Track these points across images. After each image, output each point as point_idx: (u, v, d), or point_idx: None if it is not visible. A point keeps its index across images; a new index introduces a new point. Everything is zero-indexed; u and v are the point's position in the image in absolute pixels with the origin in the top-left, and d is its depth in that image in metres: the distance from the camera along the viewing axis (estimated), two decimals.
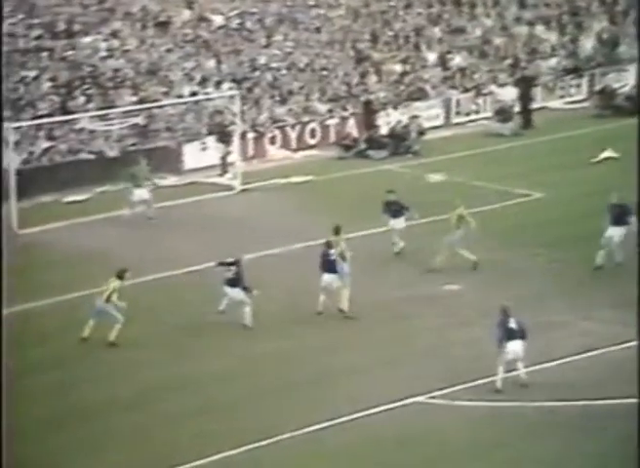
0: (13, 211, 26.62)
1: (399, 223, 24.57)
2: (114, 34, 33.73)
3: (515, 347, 18.61)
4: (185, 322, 21.41)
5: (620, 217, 22.22)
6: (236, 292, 21.16)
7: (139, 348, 20.36)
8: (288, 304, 22.00)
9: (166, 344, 20.58)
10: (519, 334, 18.65)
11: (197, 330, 21.10)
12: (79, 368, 19.70)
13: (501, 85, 36.79)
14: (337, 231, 22.26)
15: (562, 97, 37.60)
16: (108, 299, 20.49)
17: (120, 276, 20.70)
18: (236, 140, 30.77)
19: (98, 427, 17.53)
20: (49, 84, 31.30)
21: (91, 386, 18.97)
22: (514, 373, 18.83)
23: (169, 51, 34.10)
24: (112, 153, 30.46)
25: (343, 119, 34.47)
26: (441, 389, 18.68)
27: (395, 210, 24.61)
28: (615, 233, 22.31)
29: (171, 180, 30.39)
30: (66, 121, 29.88)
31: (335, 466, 16.85)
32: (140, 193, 27.18)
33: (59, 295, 22.47)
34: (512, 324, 18.71)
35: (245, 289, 21.10)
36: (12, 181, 26.80)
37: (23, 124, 28.85)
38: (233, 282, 21.19)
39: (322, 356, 20.12)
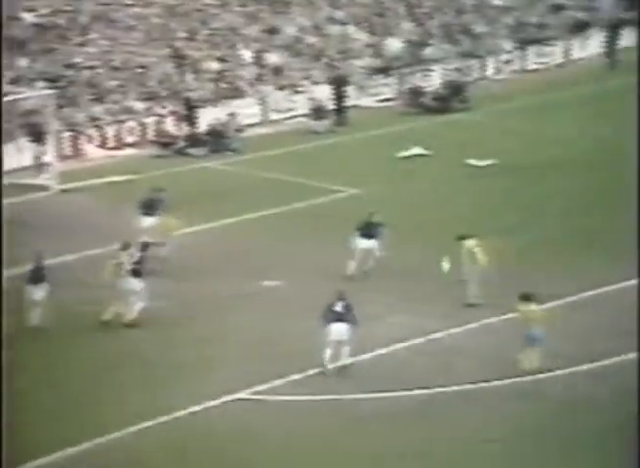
0: None
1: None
2: None
3: (337, 329, 18.89)
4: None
5: (369, 233, 22.81)
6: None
7: None
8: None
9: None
10: (343, 317, 18.94)
11: None
12: None
13: (316, 83, 37.11)
14: None
15: (373, 95, 38.22)
16: None
17: None
18: (52, 140, 29.88)
19: None
20: None
21: None
22: (338, 364, 19.01)
23: None
24: None
25: (162, 117, 33.99)
26: (263, 384, 18.62)
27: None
28: (364, 245, 22.84)
29: None
30: None
31: (157, 464, 16.58)
32: None
33: None
34: (338, 307, 19.06)
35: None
36: None
37: None
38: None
39: (147, 355, 19.78)
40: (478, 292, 21.34)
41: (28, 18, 35.01)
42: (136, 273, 21.07)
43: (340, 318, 19.04)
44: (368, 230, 22.96)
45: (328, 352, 19.02)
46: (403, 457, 16.62)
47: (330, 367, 18.98)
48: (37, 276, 20.67)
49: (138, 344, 20.32)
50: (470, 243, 21.38)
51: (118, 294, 20.84)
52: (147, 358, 19.74)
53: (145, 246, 22.09)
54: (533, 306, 19.02)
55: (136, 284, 20.99)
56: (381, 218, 23.24)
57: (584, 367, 19.04)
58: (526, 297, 19.00)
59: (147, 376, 19.04)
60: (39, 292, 20.58)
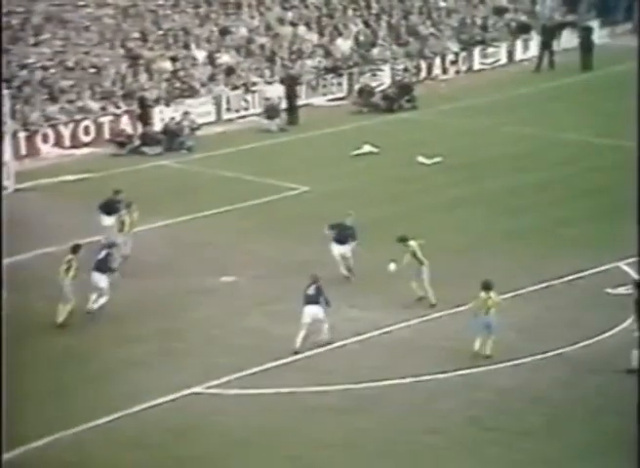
0: None
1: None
2: None
3: (311, 311, 19.71)
4: None
5: (344, 237, 22.59)
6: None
7: None
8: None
9: None
10: (315, 300, 19.74)
11: None
12: None
13: (268, 82, 37.28)
14: None
15: (324, 94, 38.48)
16: None
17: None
18: (7, 140, 29.71)
19: None
20: None
21: None
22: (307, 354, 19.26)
23: None
24: None
25: (117, 116, 33.89)
26: (220, 378, 18.72)
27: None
28: (339, 250, 22.70)
29: None
30: None
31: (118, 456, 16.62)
32: None
33: None
34: (311, 291, 19.86)
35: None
36: None
37: None
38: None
39: (102, 351, 19.83)
40: (427, 288, 21.60)
41: None
42: (100, 269, 21.19)
43: (312, 300, 19.78)
44: (342, 235, 22.57)
45: (301, 334, 19.57)
46: (343, 448, 16.79)
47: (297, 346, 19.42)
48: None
49: (95, 340, 20.34)
50: (411, 243, 21.49)
51: (66, 295, 20.81)
52: (105, 353, 19.76)
53: (111, 243, 22.20)
54: (492, 294, 19.53)
55: (101, 280, 21.10)
56: (334, 217, 23.35)
57: (529, 358, 19.44)
58: (487, 286, 19.60)
59: (104, 371, 19.06)
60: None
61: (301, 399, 18.36)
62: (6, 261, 20.71)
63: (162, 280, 22.96)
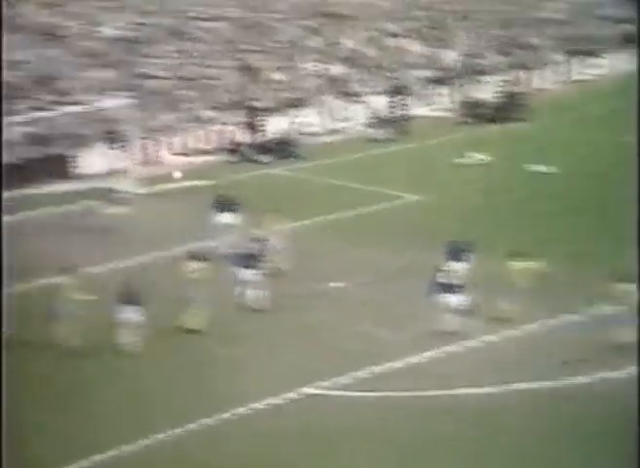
0: None
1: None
2: (9, 45, 33.22)
3: (449, 299, 20.22)
4: None
5: (458, 254, 21.90)
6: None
7: None
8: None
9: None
10: (453, 289, 20.23)
11: None
12: None
13: (375, 93, 37.62)
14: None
15: (429, 105, 38.68)
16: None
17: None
18: (132, 147, 30.63)
19: None
20: None
21: None
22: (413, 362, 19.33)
23: (63, 61, 33.85)
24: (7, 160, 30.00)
25: (230, 125, 34.52)
26: (330, 379, 18.71)
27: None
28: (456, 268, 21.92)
29: (67, 187, 29.92)
30: None
31: (231, 459, 16.59)
32: None
33: None
34: (443, 279, 20.39)
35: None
36: None
37: None
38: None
39: (213, 350, 20.03)
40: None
41: (108, 31, 35.98)
42: (248, 265, 21.44)
43: (449, 290, 20.22)
44: (456, 253, 21.66)
45: (446, 319, 19.98)
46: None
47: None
48: (130, 298, 20.01)
49: (206, 339, 20.43)
50: (520, 264, 20.77)
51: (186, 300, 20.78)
52: (216, 352, 19.92)
53: (258, 239, 22.29)
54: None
55: (250, 275, 21.44)
56: (442, 225, 23.34)
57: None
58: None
59: (214, 371, 19.14)
60: (132, 315, 19.93)
61: (412, 402, 18.23)
62: (133, 262, 21.10)
63: (273, 283, 23.29)
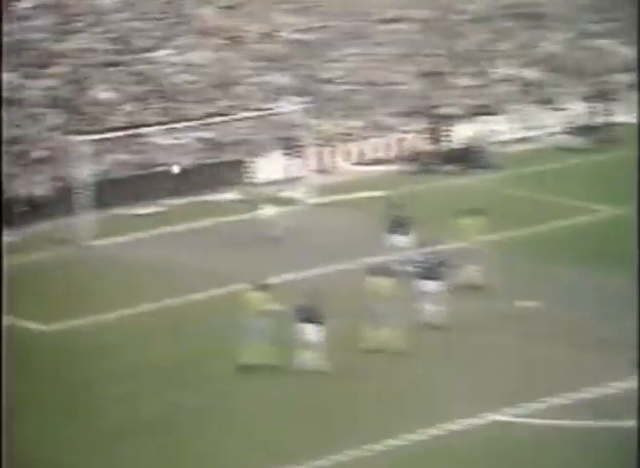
0: (85, 222, 25.88)
1: None
2: (186, 48, 33.08)
3: None
4: None
5: None
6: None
7: None
8: None
9: None
10: None
11: None
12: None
13: (574, 99, 35.20)
14: None
15: (634, 111, 35.78)
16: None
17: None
18: (308, 154, 29.62)
19: None
20: (120, 98, 30.67)
21: None
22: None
23: (240, 65, 33.35)
24: (184, 166, 29.59)
25: (414, 133, 33.07)
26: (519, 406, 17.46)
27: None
28: None
29: (242, 194, 29.19)
30: (137, 134, 29.08)
31: None
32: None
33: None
34: None
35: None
36: (86, 193, 26.17)
37: (95, 137, 28.00)
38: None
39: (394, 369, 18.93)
40: None
41: (287, 34, 35.25)
42: (432, 277, 20.41)
43: None
44: None
45: None
46: None
47: None
48: (311, 315, 18.84)
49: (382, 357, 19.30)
50: None
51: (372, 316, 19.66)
52: (397, 373, 18.86)
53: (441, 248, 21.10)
54: None
55: (434, 287, 20.35)
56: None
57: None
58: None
59: (396, 391, 18.29)
60: (316, 333, 18.72)
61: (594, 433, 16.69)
62: (307, 275, 20.39)
63: (468, 298, 21.48)
